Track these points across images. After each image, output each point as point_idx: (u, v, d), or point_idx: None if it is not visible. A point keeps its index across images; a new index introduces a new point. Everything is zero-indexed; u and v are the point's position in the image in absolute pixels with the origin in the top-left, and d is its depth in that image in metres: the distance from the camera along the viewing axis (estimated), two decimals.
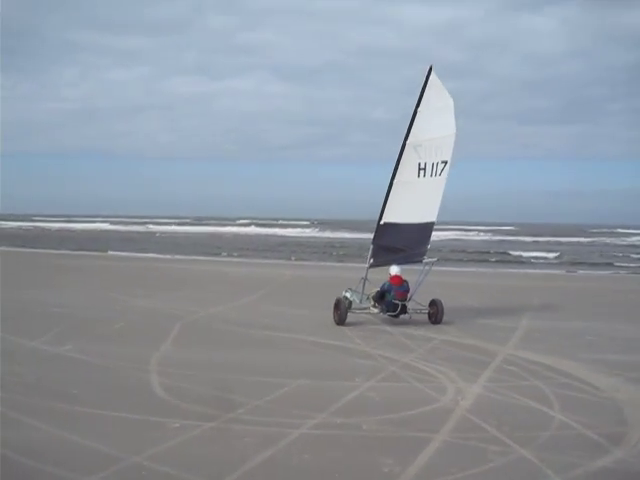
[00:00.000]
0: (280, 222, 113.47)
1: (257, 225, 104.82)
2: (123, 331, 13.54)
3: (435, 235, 17.05)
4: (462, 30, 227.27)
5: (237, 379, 9.69)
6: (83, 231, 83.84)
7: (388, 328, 14.53)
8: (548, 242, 67.23)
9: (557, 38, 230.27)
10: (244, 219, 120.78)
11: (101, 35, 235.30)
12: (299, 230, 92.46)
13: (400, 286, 14.81)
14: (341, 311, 14.71)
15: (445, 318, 15.00)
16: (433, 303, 15.18)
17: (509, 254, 49.80)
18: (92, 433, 7.05)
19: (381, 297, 14.78)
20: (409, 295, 14.91)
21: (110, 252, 43.39)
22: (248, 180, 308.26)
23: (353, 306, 15.11)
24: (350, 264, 32.62)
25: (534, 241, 69.00)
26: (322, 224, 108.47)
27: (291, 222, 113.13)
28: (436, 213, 15.99)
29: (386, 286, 14.82)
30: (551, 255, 48.76)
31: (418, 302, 15.03)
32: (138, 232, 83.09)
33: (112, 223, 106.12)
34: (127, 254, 42.56)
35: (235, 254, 45.19)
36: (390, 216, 15.72)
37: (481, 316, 16.46)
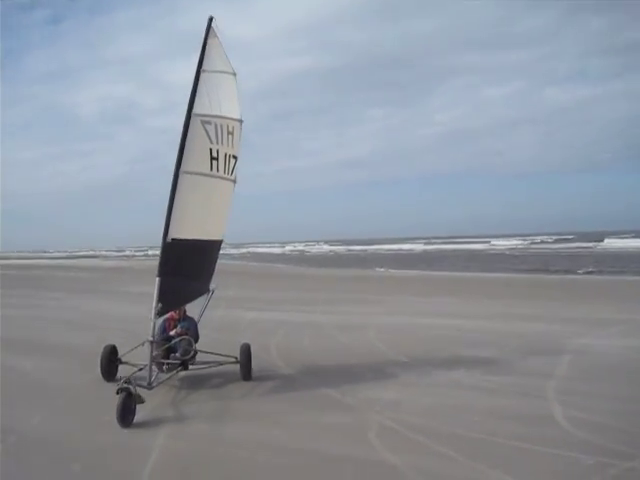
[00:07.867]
0: None
1: None
2: (503, 354, 13.39)
3: None
4: None
5: None
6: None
7: None
8: None
9: None
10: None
11: (470, 56, 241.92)
12: None
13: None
14: None
15: None
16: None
17: None
18: (504, 464, 6.96)
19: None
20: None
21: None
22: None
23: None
24: None
25: None
26: None
27: None
28: (224, 229, 11.26)
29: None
30: None
31: None
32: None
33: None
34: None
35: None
36: (178, 230, 10.01)
37: None
